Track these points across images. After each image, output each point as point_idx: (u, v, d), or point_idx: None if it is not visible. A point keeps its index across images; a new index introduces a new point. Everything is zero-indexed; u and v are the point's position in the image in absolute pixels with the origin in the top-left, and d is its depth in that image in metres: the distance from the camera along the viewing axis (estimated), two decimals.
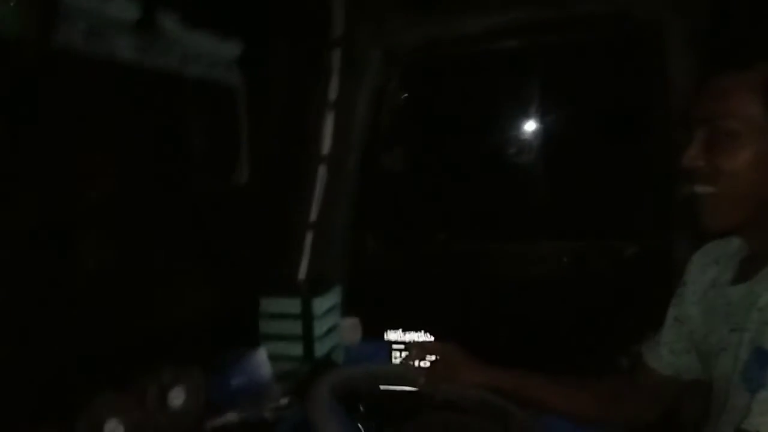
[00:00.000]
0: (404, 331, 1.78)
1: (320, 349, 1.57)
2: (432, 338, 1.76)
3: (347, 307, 1.73)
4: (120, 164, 1.34)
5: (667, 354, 1.05)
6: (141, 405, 1.01)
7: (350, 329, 1.72)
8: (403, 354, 1.63)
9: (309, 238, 1.73)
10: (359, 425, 1.09)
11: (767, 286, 0.83)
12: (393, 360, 1.65)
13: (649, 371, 1.07)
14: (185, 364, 1.16)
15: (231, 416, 1.17)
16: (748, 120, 0.81)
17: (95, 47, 1.01)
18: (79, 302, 1.13)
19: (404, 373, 1.22)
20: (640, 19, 1.46)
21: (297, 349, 1.56)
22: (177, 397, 1.07)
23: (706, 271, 1.01)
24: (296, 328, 1.55)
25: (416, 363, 1.22)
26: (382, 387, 1.22)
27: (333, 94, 1.69)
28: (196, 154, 1.64)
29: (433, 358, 1.20)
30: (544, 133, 1.74)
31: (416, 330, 1.76)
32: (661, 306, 1.07)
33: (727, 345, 0.89)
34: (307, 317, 1.55)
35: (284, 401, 1.23)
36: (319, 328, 1.56)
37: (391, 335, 1.79)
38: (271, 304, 1.58)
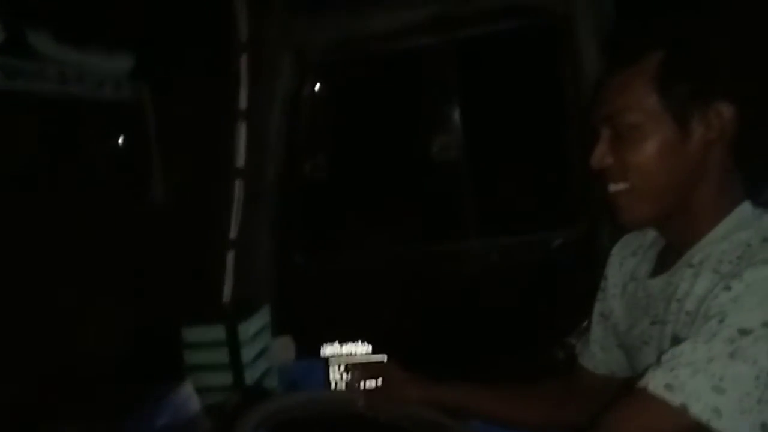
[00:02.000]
0: (341, 343, 1.73)
1: (251, 376, 1.49)
2: (369, 347, 1.71)
3: (279, 326, 1.65)
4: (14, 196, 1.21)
5: (598, 351, 1.05)
6: None
7: (283, 349, 1.65)
8: (341, 369, 1.58)
9: (231, 257, 1.63)
10: None
11: (683, 277, 0.83)
12: (331, 375, 1.60)
13: (585, 372, 1.07)
14: (93, 415, 1.05)
15: None
16: (647, 111, 0.81)
17: None
18: None
19: (342, 397, 1.17)
20: (552, 12, 1.45)
21: (226, 379, 1.47)
22: None
23: (624, 263, 1.01)
24: (223, 356, 1.46)
25: (359, 385, 1.18)
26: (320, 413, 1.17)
27: (243, 102, 1.60)
28: (100, 176, 1.52)
29: (373, 380, 1.15)
30: (464, 130, 1.71)
31: (352, 341, 1.71)
32: (590, 296, 1.06)
33: (648, 338, 0.89)
34: (233, 344, 1.46)
35: None
36: (248, 353, 1.48)
37: (328, 350, 1.73)
38: (194, 333, 1.48)
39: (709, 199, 0.84)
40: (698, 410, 0.68)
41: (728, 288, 0.73)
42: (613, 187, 0.86)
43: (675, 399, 0.70)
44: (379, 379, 1.14)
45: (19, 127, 1.09)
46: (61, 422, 1.01)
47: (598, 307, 1.05)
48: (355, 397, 1.15)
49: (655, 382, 0.72)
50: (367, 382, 1.15)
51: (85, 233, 1.38)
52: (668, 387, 0.71)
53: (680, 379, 0.70)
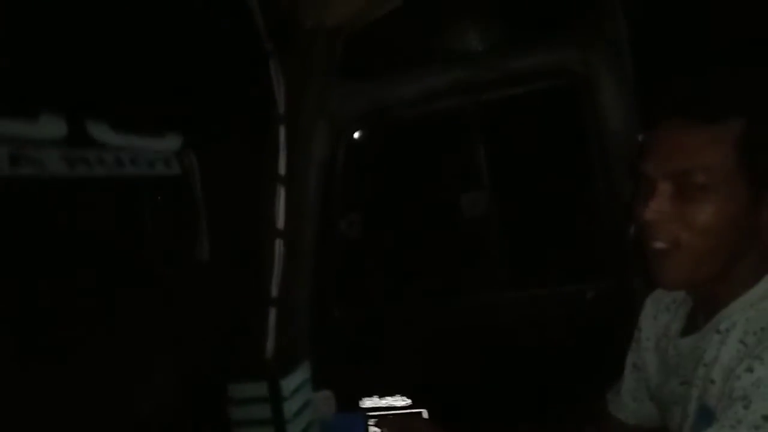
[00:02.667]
0: (379, 396, 1.76)
1: (293, 430, 1.54)
2: (407, 401, 1.74)
3: (319, 379, 1.70)
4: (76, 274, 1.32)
5: (630, 401, 1.05)
6: None
7: (324, 403, 1.69)
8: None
9: (272, 314, 1.71)
10: None
11: (711, 342, 0.83)
12: (370, 430, 1.63)
13: (615, 422, 1.07)
14: None
15: None
16: (723, 174, 0.78)
17: (23, 170, 1.01)
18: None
19: None
20: (574, 73, 1.50)
21: None
22: None
23: (658, 317, 1.01)
24: (266, 411, 1.52)
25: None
26: None
27: (282, 168, 1.70)
28: (152, 243, 1.63)
29: None
30: (491, 186, 1.76)
31: (391, 394, 1.75)
32: (624, 348, 1.06)
33: (679, 398, 0.89)
34: (275, 399, 1.51)
35: None
36: (289, 409, 1.53)
37: (367, 402, 1.77)
38: (239, 390, 1.55)
39: (751, 268, 0.82)
40: None
41: (750, 370, 0.73)
42: (660, 245, 0.82)
43: None
44: None
45: (79, 207, 1.21)
46: None
47: (631, 357, 1.05)
48: None
49: None
50: None
51: (139, 294, 1.49)
52: None
53: None
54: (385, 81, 1.65)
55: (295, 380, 1.58)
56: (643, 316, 1.04)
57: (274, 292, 1.71)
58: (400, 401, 1.75)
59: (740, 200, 0.78)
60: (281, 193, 1.70)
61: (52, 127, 1.08)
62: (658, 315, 1.01)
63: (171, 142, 1.40)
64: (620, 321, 1.38)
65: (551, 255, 1.75)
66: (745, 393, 0.72)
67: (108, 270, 1.41)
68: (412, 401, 1.74)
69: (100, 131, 1.18)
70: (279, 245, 1.71)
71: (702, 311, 0.89)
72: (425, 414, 1.59)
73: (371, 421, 1.59)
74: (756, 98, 0.80)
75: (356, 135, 1.79)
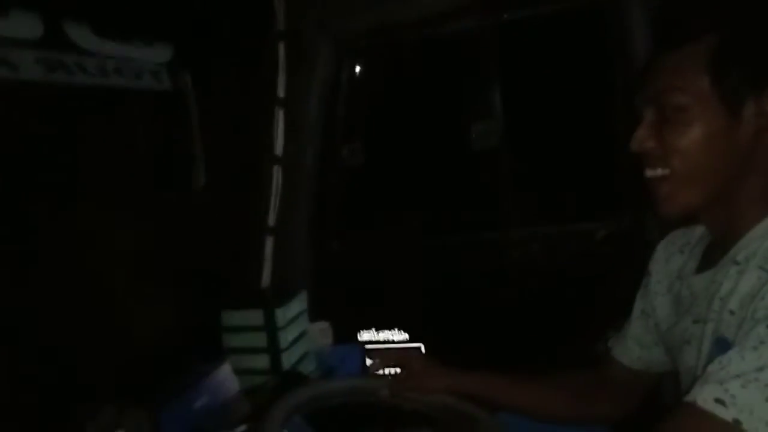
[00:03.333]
0: (377, 330, 1.74)
1: (288, 360, 1.51)
2: (405, 336, 1.72)
3: (317, 311, 1.67)
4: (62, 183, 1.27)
5: (635, 347, 1.02)
6: None
7: (320, 334, 1.67)
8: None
9: (270, 243, 1.66)
10: None
11: (728, 274, 0.79)
12: (366, 362, 1.61)
13: (619, 366, 1.04)
14: (133, 396, 1.10)
15: None
16: (697, 93, 0.76)
17: None
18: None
19: (366, 387, 1.18)
20: None
21: (264, 362, 1.50)
22: None
23: (670, 260, 0.97)
24: (261, 340, 1.49)
25: (380, 372, 1.19)
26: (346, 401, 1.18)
27: (282, 89, 1.60)
28: (141, 164, 1.56)
29: (397, 367, 1.16)
30: (506, 116, 1.66)
31: (389, 328, 1.72)
32: (634, 290, 1.02)
33: (690, 337, 0.85)
34: (271, 328, 1.48)
35: (241, 429, 1.17)
36: (285, 338, 1.50)
37: (365, 335, 1.75)
38: (233, 317, 1.52)
39: (756, 191, 0.79)
40: (752, 425, 0.65)
41: None
42: (652, 173, 0.81)
43: (727, 414, 0.66)
44: (403, 368, 1.14)
45: (59, 118, 1.13)
46: (103, 400, 1.06)
47: (639, 304, 1.01)
48: (380, 385, 1.15)
49: (703, 397, 0.69)
50: (394, 370, 1.15)
51: (129, 219, 1.43)
52: (719, 401, 0.67)
53: (731, 392, 0.67)
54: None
55: (291, 310, 1.54)
56: (653, 260, 1.01)
57: (271, 220, 1.66)
58: (397, 335, 1.73)
59: (718, 120, 0.77)
60: (280, 117, 1.61)
61: (24, 25, 0.98)
62: (670, 258, 0.97)
63: (160, 53, 1.30)
64: (630, 262, 1.32)
65: (563, 191, 1.67)
66: None
67: (96, 188, 1.35)
68: (410, 336, 1.72)
69: (80, 34, 1.08)
70: (277, 172, 1.64)
71: (718, 246, 0.85)
72: (422, 348, 1.56)
73: (367, 354, 1.56)
74: (726, 16, 0.79)
75: (361, 56, 1.67)
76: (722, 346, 0.75)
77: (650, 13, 1.29)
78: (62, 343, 1.17)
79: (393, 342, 1.68)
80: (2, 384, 1.03)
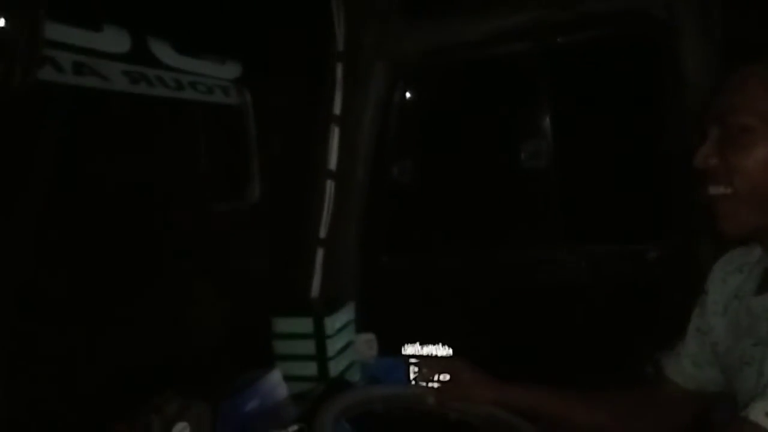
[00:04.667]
0: (421, 344, 1.75)
1: (335, 368, 1.54)
2: (449, 351, 1.72)
3: (363, 323, 1.70)
4: (126, 191, 1.35)
5: (689, 366, 1.01)
6: None
7: (366, 345, 1.69)
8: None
9: (320, 254, 1.71)
10: None
11: None
12: (410, 375, 1.62)
13: (671, 385, 1.03)
14: (192, 393, 1.15)
15: None
16: (762, 115, 0.77)
17: (85, 79, 1.01)
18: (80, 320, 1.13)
19: (414, 394, 1.20)
20: (654, 16, 1.40)
21: (311, 369, 1.53)
22: None
23: (728, 280, 0.96)
24: (309, 347, 1.53)
25: (427, 381, 1.20)
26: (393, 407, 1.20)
27: (338, 107, 1.67)
28: (204, 175, 1.64)
29: (444, 376, 1.18)
30: (557, 135, 1.68)
31: (433, 343, 1.73)
32: (687, 312, 1.02)
33: (750, 359, 0.84)
34: (319, 336, 1.52)
35: (293, 429, 1.20)
36: (332, 347, 1.53)
37: (409, 349, 1.76)
38: (284, 324, 1.56)
39: None
40: None
41: None
42: (714, 190, 0.82)
43: None
44: (449, 378, 1.16)
45: (141, 127, 1.22)
46: (163, 399, 1.11)
47: (695, 322, 1.01)
48: (426, 394, 1.16)
49: (755, 411, 0.70)
50: (440, 379, 1.17)
51: (190, 226, 1.51)
52: None
53: None
54: (448, 20, 1.58)
55: (339, 319, 1.58)
56: (710, 279, 1.00)
57: (323, 233, 1.71)
58: (441, 350, 1.74)
59: None
60: (335, 133, 1.68)
61: (115, 40, 1.08)
62: (728, 278, 0.96)
63: (230, 70, 1.39)
64: (682, 284, 1.31)
65: (612, 213, 1.66)
66: None
67: (160, 199, 1.43)
68: (454, 352, 1.72)
69: (162, 50, 1.17)
70: (330, 186, 1.70)
71: None
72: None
73: (412, 366, 1.57)
74: None
75: (414, 77, 1.73)
76: None
77: (708, 39, 1.30)
78: (126, 340, 1.24)
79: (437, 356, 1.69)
80: (68, 379, 1.09)
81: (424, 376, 1.20)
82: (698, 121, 0.86)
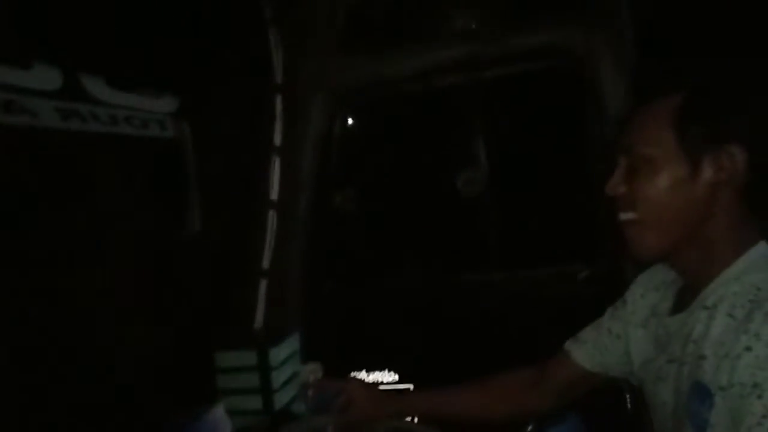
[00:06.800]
0: (368, 371, 1.76)
1: (280, 400, 1.53)
2: (396, 376, 1.74)
3: (308, 352, 1.69)
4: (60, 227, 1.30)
5: (596, 353, 1.08)
6: None
7: (312, 375, 1.68)
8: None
9: (263, 285, 1.70)
10: None
11: (699, 318, 0.84)
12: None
13: (576, 367, 1.10)
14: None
15: None
16: (662, 146, 0.84)
17: (15, 118, 0.98)
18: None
19: (312, 425, 1.20)
20: (574, 53, 1.50)
21: (256, 403, 1.51)
22: None
23: (646, 296, 1.02)
24: (254, 380, 1.51)
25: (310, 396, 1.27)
26: None
27: (278, 138, 1.68)
28: (140, 208, 1.61)
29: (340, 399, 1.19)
30: (490, 164, 1.75)
31: (380, 369, 1.75)
32: None
33: (665, 375, 0.90)
34: (264, 369, 1.51)
35: None
36: (277, 379, 1.52)
37: (357, 376, 1.76)
38: (227, 358, 1.54)
39: (719, 238, 0.85)
40: None
41: (749, 348, 0.74)
42: (623, 216, 0.89)
43: None
44: (345, 400, 1.19)
45: (70, 162, 1.19)
46: None
47: (609, 322, 1.07)
48: (325, 422, 1.18)
49: None
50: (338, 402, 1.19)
51: (127, 259, 1.46)
52: None
53: None
54: (384, 55, 1.63)
55: (284, 350, 1.57)
56: (630, 290, 1.06)
57: (266, 263, 1.71)
58: (387, 377, 1.76)
59: (680, 171, 0.83)
60: (276, 164, 1.68)
61: (45, 77, 1.06)
62: (646, 294, 1.03)
63: (167, 104, 1.37)
64: (611, 301, 1.39)
65: (545, 236, 1.75)
66: (754, 378, 0.73)
67: (97, 230, 1.39)
68: (400, 377, 1.74)
69: (94, 86, 1.15)
70: (272, 216, 1.70)
71: (689, 290, 0.90)
72: (410, 388, 1.59)
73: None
74: (690, 78, 0.87)
75: (354, 108, 1.76)
76: (699, 390, 0.80)
77: (623, 71, 1.41)
78: (51, 375, 1.18)
79: (382, 383, 1.70)
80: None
81: (312, 394, 1.22)
82: (611, 151, 0.93)
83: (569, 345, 1.12)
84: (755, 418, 0.72)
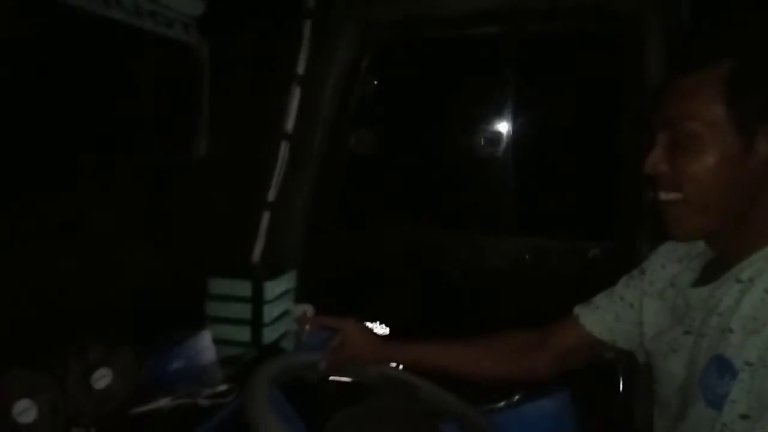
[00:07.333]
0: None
1: (269, 335, 1.49)
2: (387, 329, 1.70)
3: (301, 293, 1.65)
4: (58, 123, 1.23)
5: (609, 320, 1.03)
6: (59, 384, 0.91)
7: (303, 315, 1.64)
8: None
9: (266, 218, 1.64)
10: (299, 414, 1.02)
11: (728, 291, 0.80)
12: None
13: (584, 333, 1.05)
14: (117, 342, 1.06)
15: (163, 402, 1.08)
16: (711, 121, 0.78)
17: None
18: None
19: (302, 361, 1.16)
20: (622, 12, 1.42)
21: (245, 334, 1.47)
22: (102, 379, 0.97)
23: (667, 267, 0.98)
24: (245, 311, 1.47)
25: (305, 330, 1.25)
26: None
27: (301, 68, 1.60)
28: (150, 118, 1.53)
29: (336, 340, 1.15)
30: (515, 126, 1.69)
31: (372, 320, 1.70)
32: None
33: (679, 346, 0.87)
34: (257, 301, 1.47)
35: (222, 388, 1.15)
36: (269, 313, 1.48)
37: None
38: (220, 286, 1.49)
39: (763, 215, 0.80)
40: None
41: None
42: (665, 196, 0.83)
43: None
44: (340, 340, 1.15)
45: (90, 50, 1.11)
46: (85, 343, 1.02)
47: (623, 291, 1.03)
48: (317, 359, 1.14)
49: None
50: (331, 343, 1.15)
51: (126, 173, 1.40)
52: None
53: None
54: None
55: (279, 286, 1.53)
56: (650, 260, 1.02)
57: (272, 196, 1.65)
58: (379, 329, 1.72)
59: (730, 148, 0.78)
60: (296, 94, 1.61)
61: None
62: (667, 265, 0.99)
63: (193, 7, 1.29)
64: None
65: (560, 208, 1.70)
66: None
67: (97, 134, 1.32)
68: (391, 332, 1.70)
69: None
70: (284, 148, 1.63)
71: (720, 263, 0.86)
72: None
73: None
74: (741, 43, 0.80)
75: (384, 47, 1.68)
76: (722, 364, 0.77)
77: (666, 36, 1.33)
78: (48, 283, 1.13)
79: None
80: None
81: (307, 326, 1.18)
82: (648, 124, 0.86)
83: (579, 309, 1.08)
84: None
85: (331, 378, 1.19)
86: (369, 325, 1.69)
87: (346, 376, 1.15)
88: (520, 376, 1.12)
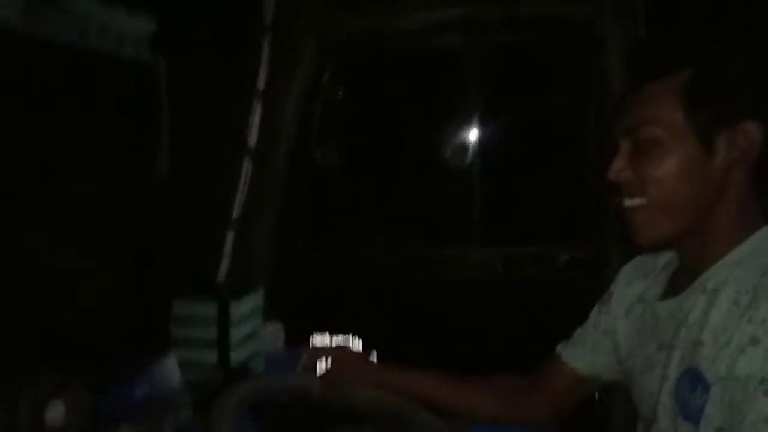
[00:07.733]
0: (331, 335, 1.70)
1: (237, 357, 1.45)
2: (359, 342, 1.68)
3: (270, 311, 1.62)
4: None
5: (588, 354, 1.02)
6: (9, 419, 0.88)
7: (272, 335, 1.62)
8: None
9: (230, 236, 1.61)
10: None
11: (696, 302, 0.80)
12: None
13: (568, 370, 1.03)
14: (74, 371, 1.02)
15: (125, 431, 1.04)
16: (671, 126, 0.78)
17: None
18: None
19: (299, 383, 1.14)
20: (579, 23, 1.43)
21: (212, 357, 1.44)
22: (55, 413, 0.93)
23: (631, 285, 0.98)
24: (211, 333, 1.43)
25: (310, 368, 1.16)
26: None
27: (262, 83, 1.59)
28: (105, 140, 1.50)
29: (328, 363, 1.13)
30: (480, 136, 1.69)
31: (343, 334, 1.69)
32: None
33: (655, 363, 0.86)
34: (223, 322, 1.43)
35: (187, 415, 1.11)
36: (236, 333, 1.45)
37: (317, 340, 1.71)
38: (184, 307, 1.46)
39: (727, 221, 0.80)
40: None
41: (756, 340, 0.70)
42: (629, 202, 0.82)
43: None
44: (333, 364, 1.13)
45: (34, 73, 1.07)
46: (36, 375, 0.98)
47: (597, 318, 1.01)
48: (310, 383, 1.12)
49: None
50: (323, 366, 1.13)
51: (85, 192, 1.36)
52: None
53: None
54: (383, 6, 1.54)
55: (245, 305, 1.50)
56: (617, 281, 1.01)
57: (235, 213, 1.62)
58: (350, 342, 1.70)
59: (691, 152, 0.78)
60: (257, 109, 1.58)
61: None
62: (633, 282, 0.98)
63: (143, 24, 1.26)
64: (590, 288, 1.35)
65: (528, 216, 1.70)
66: (763, 375, 0.69)
67: (54, 155, 1.28)
68: (364, 344, 1.68)
69: None
70: (247, 165, 1.61)
71: (686, 274, 0.86)
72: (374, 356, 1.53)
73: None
74: (699, 52, 0.82)
75: (345, 60, 1.67)
76: (694, 377, 0.76)
77: (623, 46, 1.35)
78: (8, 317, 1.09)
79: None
80: None
81: (307, 362, 1.16)
82: (610, 132, 0.86)
83: (561, 347, 1.06)
84: (761, 414, 0.68)
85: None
86: (342, 338, 1.69)
87: (339, 399, 1.12)
88: (512, 419, 1.08)
